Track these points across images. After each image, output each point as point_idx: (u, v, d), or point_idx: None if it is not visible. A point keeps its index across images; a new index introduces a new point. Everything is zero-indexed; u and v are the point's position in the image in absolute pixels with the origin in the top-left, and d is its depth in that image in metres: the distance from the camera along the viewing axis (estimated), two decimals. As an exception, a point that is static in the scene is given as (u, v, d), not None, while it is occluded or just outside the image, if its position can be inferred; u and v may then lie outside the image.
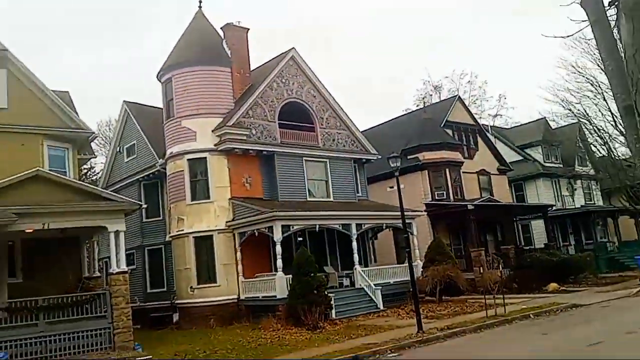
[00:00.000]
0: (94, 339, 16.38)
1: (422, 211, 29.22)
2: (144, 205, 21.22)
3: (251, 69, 27.02)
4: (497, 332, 16.63)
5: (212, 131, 24.26)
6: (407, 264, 21.11)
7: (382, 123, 39.49)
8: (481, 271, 24.16)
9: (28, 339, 15.62)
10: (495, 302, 20.01)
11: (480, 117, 48.81)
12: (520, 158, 41.28)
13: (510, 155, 40.21)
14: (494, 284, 20.93)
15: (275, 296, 20.89)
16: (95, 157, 28.09)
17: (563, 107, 35.07)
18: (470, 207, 28.98)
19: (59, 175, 17.93)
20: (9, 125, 19.08)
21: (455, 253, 27.86)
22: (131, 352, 16.29)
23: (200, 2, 27.90)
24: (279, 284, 20.86)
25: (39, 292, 16.81)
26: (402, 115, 41.88)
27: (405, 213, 19.70)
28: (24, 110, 19.62)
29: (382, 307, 22.26)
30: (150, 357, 15.47)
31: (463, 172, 33.13)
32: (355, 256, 23.55)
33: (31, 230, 16.66)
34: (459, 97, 39.30)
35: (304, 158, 26.10)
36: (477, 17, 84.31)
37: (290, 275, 20.22)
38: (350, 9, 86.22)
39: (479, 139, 36.76)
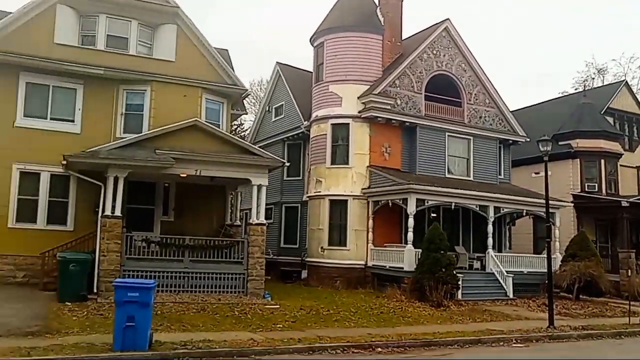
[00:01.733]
0: (230, 282, 17.54)
1: (568, 202, 27.21)
2: (287, 164, 21.95)
3: (402, 38, 26.51)
4: (640, 342, 15.18)
5: (358, 98, 24.29)
6: (544, 255, 19.93)
7: (535, 104, 37.06)
8: (629, 274, 22.14)
9: (174, 272, 17.13)
10: (641, 309, 18.26)
11: (648, 107, 43.98)
12: (693, 155, 36.68)
13: (680, 151, 35.86)
14: (643, 290, 19.12)
15: (402, 268, 20.75)
16: (246, 114, 29.52)
17: None
18: (624, 203, 26.44)
19: (213, 127, 19.06)
20: (175, 77, 20.54)
21: (601, 252, 25.64)
22: (261, 299, 17.21)
23: (360, -31, 27.69)
24: (407, 257, 20.68)
25: (186, 232, 18.26)
26: (558, 98, 38.98)
27: (550, 202, 18.43)
28: (188, 64, 20.98)
29: (511, 296, 21.26)
30: (279, 306, 16.21)
31: (620, 165, 30.20)
32: (490, 240, 22.62)
33: (185, 175, 17.99)
34: (626, 82, 35.57)
35: (447, 133, 25.32)
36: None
37: (420, 250, 19.94)
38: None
39: (644, 130, 33.21)
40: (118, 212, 16.57)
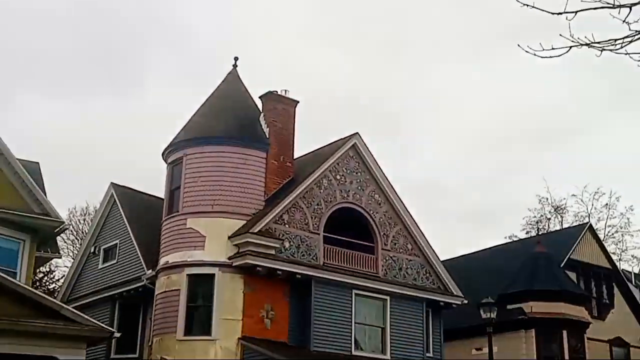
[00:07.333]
0: None
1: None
2: (117, 334, 21.16)
3: (295, 157, 27.58)
4: None
5: (229, 238, 24.51)
6: None
7: (475, 252, 39.11)
8: None
9: None
10: None
11: (619, 259, 47.71)
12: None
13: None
14: None
15: None
16: (60, 257, 28.57)
17: None
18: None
19: (5, 276, 18.25)
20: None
21: None
22: None
23: (235, 59, 28.98)
24: None
25: None
26: (505, 244, 41.36)
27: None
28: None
29: None
30: None
31: (588, 339, 31.90)
32: None
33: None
34: (590, 225, 38.89)
35: (355, 290, 25.84)
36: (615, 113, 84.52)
37: None
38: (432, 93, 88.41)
39: (615, 290, 35.76)
40: None
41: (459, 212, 78.71)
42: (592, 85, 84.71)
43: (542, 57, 7.39)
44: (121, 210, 29.55)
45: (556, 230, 44.78)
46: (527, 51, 7.46)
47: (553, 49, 7.29)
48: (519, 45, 7.63)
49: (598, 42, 7.19)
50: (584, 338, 31.74)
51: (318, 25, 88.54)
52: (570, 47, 7.21)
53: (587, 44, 7.17)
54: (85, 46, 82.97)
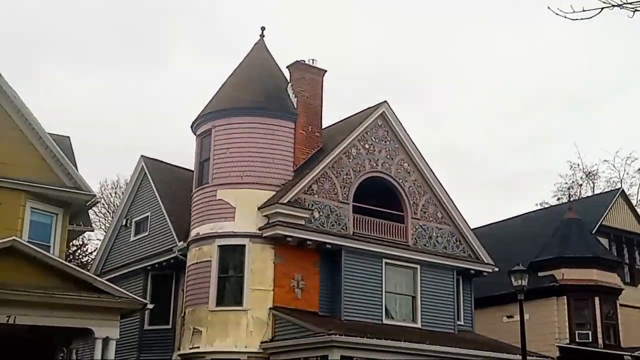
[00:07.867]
0: None
1: (554, 358, 27.92)
2: (150, 306, 21.37)
3: (324, 127, 27.49)
4: None
5: (259, 209, 24.53)
6: None
7: (505, 219, 38.95)
8: None
9: None
10: None
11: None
12: None
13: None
14: None
15: None
16: (92, 231, 28.83)
17: None
18: (628, 359, 27.51)
19: (39, 250, 18.50)
20: (-16, 175, 20.08)
21: None
22: None
23: (262, 29, 28.81)
24: None
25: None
26: (534, 212, 41.04)
27: (531, 358, 18.82)
28: (7, 156, 20.53)
29: None
30: None
31: (621, 305, 31.72)
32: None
33: (-12, 325, 17.09)
34: (623, 191, 38.49)
35: (385, 260, 25.81)
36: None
37: None
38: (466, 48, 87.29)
39: (649, 257, 35.37)
40: None
41: (489, 179, 78.33)
42: (624, 48, 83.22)
43: (572, 19, 7.22)
44: (152, 182, 29.70)
45: (588, 197, 44.31)
46: (557, 13, 7.29)
47: (584, 10, 7.12)
48: (548, 8, 7.47)
49: (630, 3, 7.01)
50: (617, 304, 31.56)
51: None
52: (602, 8, 7.04)
53: (618, 5, 7.01)
54: (112, 20, 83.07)
